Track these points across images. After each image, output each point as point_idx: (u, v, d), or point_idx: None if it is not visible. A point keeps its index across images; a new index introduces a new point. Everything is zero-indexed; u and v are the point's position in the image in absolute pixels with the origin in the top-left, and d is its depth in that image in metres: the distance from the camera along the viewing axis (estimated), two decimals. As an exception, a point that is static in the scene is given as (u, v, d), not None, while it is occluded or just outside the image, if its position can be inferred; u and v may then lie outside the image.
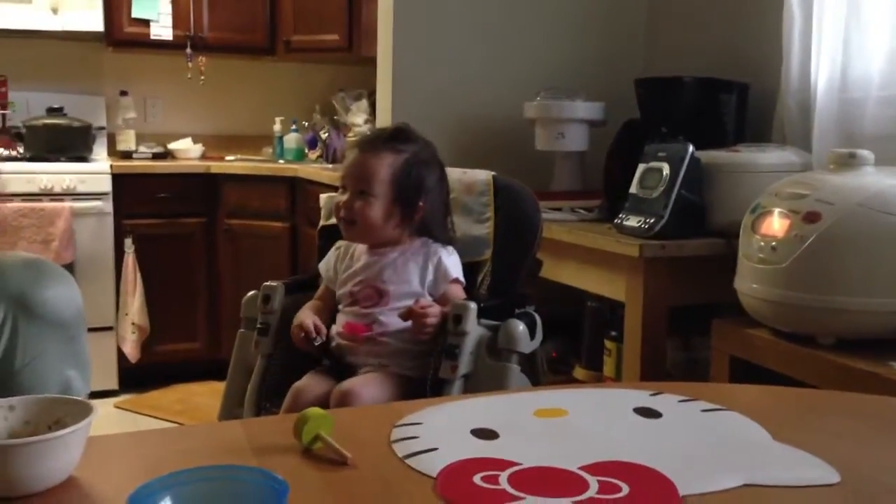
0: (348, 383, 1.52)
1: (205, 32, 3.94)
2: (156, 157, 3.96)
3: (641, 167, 2.15)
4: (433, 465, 0.86)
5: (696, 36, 2.76)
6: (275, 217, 3.66)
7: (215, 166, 3.79)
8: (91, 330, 2.06)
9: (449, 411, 1.06)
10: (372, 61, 3.00)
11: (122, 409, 3.46)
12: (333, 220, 1.76)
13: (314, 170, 3.47)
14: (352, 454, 0.88)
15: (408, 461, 0.88)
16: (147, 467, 0.85)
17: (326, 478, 0.85)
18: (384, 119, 2.81)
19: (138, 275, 3.55)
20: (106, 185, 3.53)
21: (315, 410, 0.93)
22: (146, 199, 3.64)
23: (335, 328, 1.63)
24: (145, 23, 3.83)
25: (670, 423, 1.02)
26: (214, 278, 3.78)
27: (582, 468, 0.85)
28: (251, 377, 1.65)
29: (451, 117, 2.79)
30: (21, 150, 3.65)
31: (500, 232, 1.73)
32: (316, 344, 1.59)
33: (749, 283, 1.77)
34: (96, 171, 3.55)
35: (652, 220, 2.02)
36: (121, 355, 3.57)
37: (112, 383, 3.58)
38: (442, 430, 0.98)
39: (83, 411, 0.84)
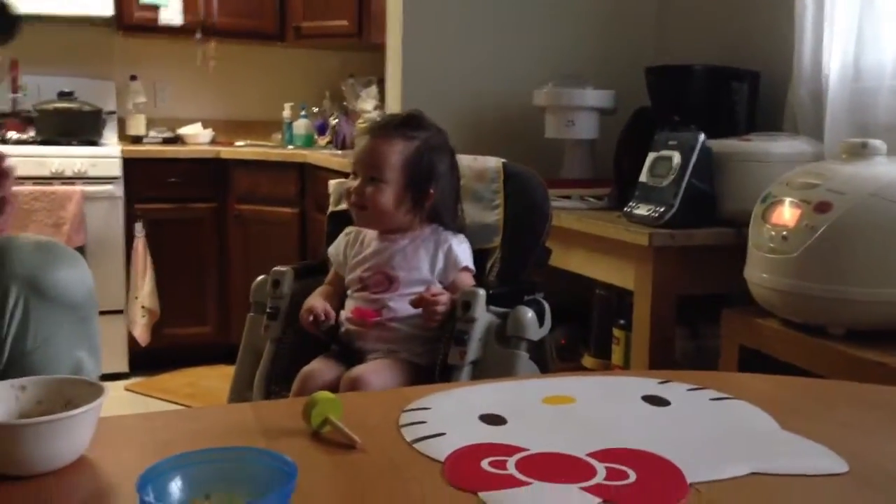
0: (358, 370, 1.53)
1: (214, 18, 3.94)
2: (166, 141, 3.97)
3: (652, 156, 2.14)
4: (441, 449, 0.87)
5: (707, 24, 2.74)
6: (284, 203, 3.67)
7: (225, 152, 3.80)
8: (101, 313, 2.08)
9: (457, 397, 1.07)
10: (381, 48, 2.99)
11: (133, 391, 3.48)
12: (342, 206, 1.76)
13: (323, 156, 3.47)
14: (360, 438, 0.88)
15: (416, 445, 0.88)
16: (157, 448, 0.86)
17: (335, 461, 0.85)
18: (394, 106, 2.81)
19: (149, 259, 3.57)
20: (116, 169, 3.55)
21: (324, 394, 0.93)
22: (156, 183, 3.66)
23: (344, 313, 1.63)
24: (155, 8, 3.84)
25: (678, 411, 1.02)
26: (224, 263, 3.79)
27: (590, 455, 0.85)
28: (260, 361, 1.66)
29: (462, 104, 2.78)
30: (32, 133, 3.67)
31: (509, 219, 1.73)
32: (323, 329, 1.60)
33: (759, 273, 1.76)
34: (107, 156, 3.56)
35: (662, 209, 2.02)
36: (131, 339, 3.59)
37: (122, 366, 3.61)
38: (450, 416, 0.98)
39: (94, 392, 0.85)
